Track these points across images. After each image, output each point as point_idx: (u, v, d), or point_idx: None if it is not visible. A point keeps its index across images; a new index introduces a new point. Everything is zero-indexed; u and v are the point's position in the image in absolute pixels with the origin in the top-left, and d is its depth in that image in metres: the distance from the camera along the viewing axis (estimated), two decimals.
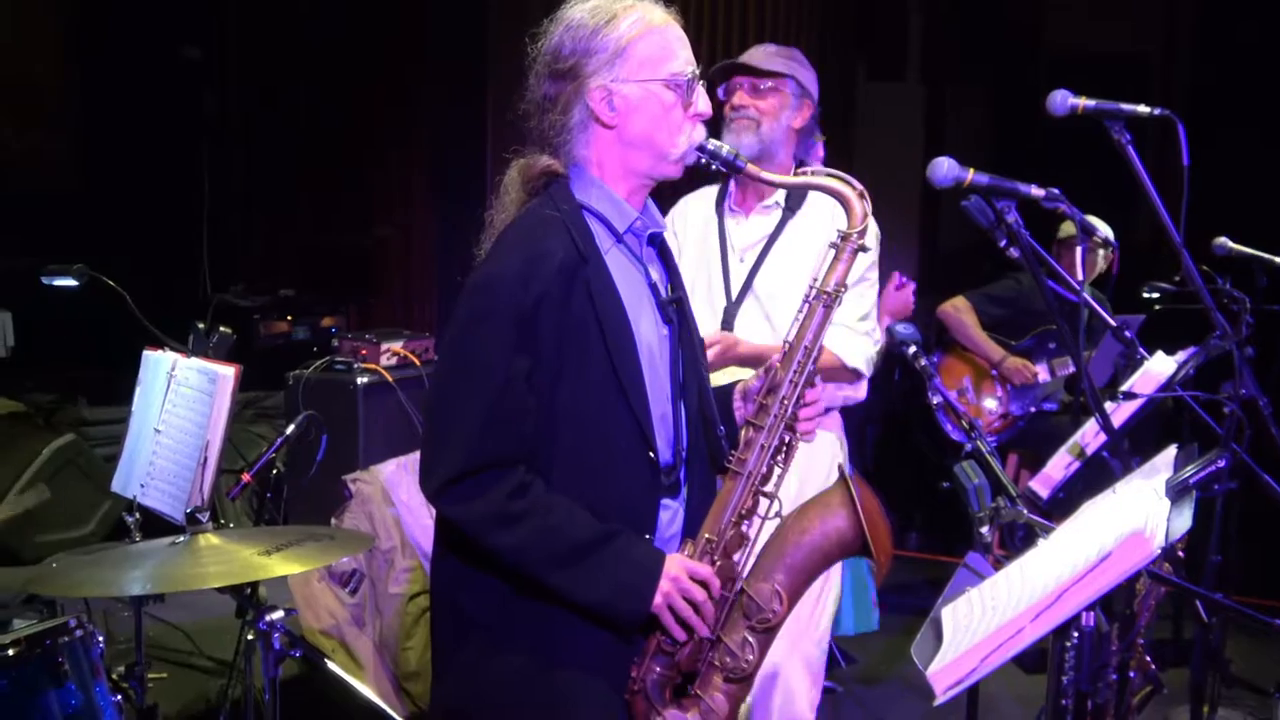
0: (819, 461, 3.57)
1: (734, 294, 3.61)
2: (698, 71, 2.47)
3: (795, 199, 3.61)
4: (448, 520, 2.38)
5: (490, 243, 2.47)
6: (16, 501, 5.68)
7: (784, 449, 2.47)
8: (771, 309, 3.59)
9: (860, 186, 2.50)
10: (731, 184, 3.71)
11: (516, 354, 2.30)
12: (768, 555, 2.44)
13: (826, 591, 3.61)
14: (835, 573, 3.68)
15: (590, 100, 2.40)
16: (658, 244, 2.57)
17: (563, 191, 2.44)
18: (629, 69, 2.39)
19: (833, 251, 2.50)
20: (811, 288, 2.49)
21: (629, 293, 2.43)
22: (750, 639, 2.40)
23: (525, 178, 2.48)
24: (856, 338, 3.58)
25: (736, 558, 2.43)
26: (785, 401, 2.45)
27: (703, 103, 2.47)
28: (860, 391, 3.74)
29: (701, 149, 2.46)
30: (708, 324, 3.57)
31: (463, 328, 2.36)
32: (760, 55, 3.63)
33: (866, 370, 3.63)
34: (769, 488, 2.46)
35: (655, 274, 2.53)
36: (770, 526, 2.49)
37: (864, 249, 2.50)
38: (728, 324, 3.59)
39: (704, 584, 2.38)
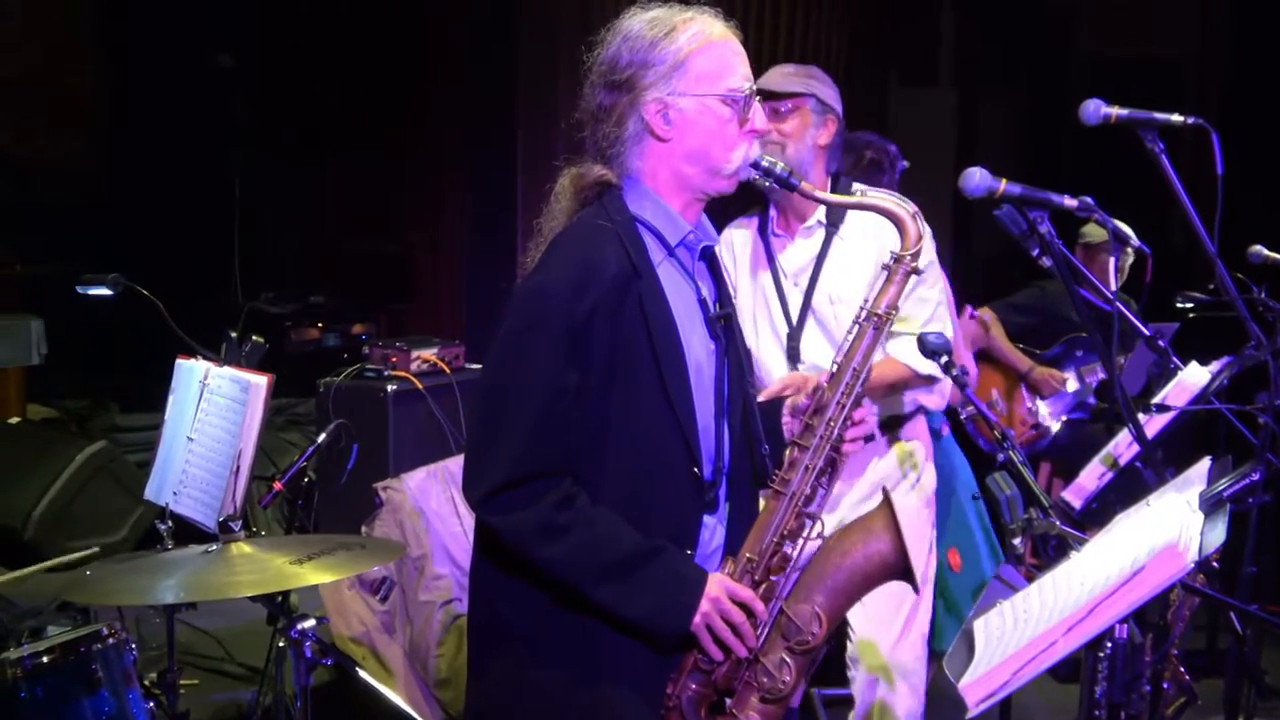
0: (892, 470, 3.62)
1: (794, 319, 3.58)
2: (755, 87, 2.45)
3: (836, 215, 3.56)
4: (490, 529, 2.37)
5: (539, 250, 2.46)
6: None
7: (829, 470, 2.45)
8: (834, 329, 3.54)
9: (914, 207, 2.47)
10: (772, 209, 3.65)
11: (567, 365, 2.29)
12: (809, 576, 2.42)
13: (922, 600, 3.60)
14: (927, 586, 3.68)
15: (645, 113, 2.38)
16: (708, 258, 2.56)
17: (616, 202, 2.42)
18: (686, 83, 2.37)
19: (885, 273, 2.47)
20: (862, 309, 2.47)
21: (679, 307, 2.42)
22: (788, 660, 2.38)
23: (577, 187, 2.46)
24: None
25: (777, 578, 2.41)
26: (832, 423, 2.43)
27: (759, 119, 2.44)
28: (936, 398, 3.67)
29: (756, 165, 2.44)
30: (773, 354, 3.58)
31: (514, 336, 2.35)
32: (777, 78, 3.59)
33: (940, 374, 3.59)
34: (812, 509, 2.44)
35: (705, 289, 2.51)
36: (812, 548, 2.47)
37: (917, 271, 2.47)
38: (793, 350, 3.56)
39: (745, 606, 2.36)
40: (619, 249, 2.36)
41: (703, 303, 2.49)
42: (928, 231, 3.58)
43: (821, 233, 3.59)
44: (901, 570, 2.42)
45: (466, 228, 8.23)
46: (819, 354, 3.54)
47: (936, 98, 8.71)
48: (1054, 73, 8.36)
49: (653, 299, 2.37)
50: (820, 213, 3.58)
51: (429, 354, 6.02)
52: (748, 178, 2.48)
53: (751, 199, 3.65)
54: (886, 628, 3.51)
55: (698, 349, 2.44)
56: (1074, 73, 8.40)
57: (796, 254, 3.62)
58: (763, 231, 3.68)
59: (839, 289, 3.54)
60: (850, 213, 3.55)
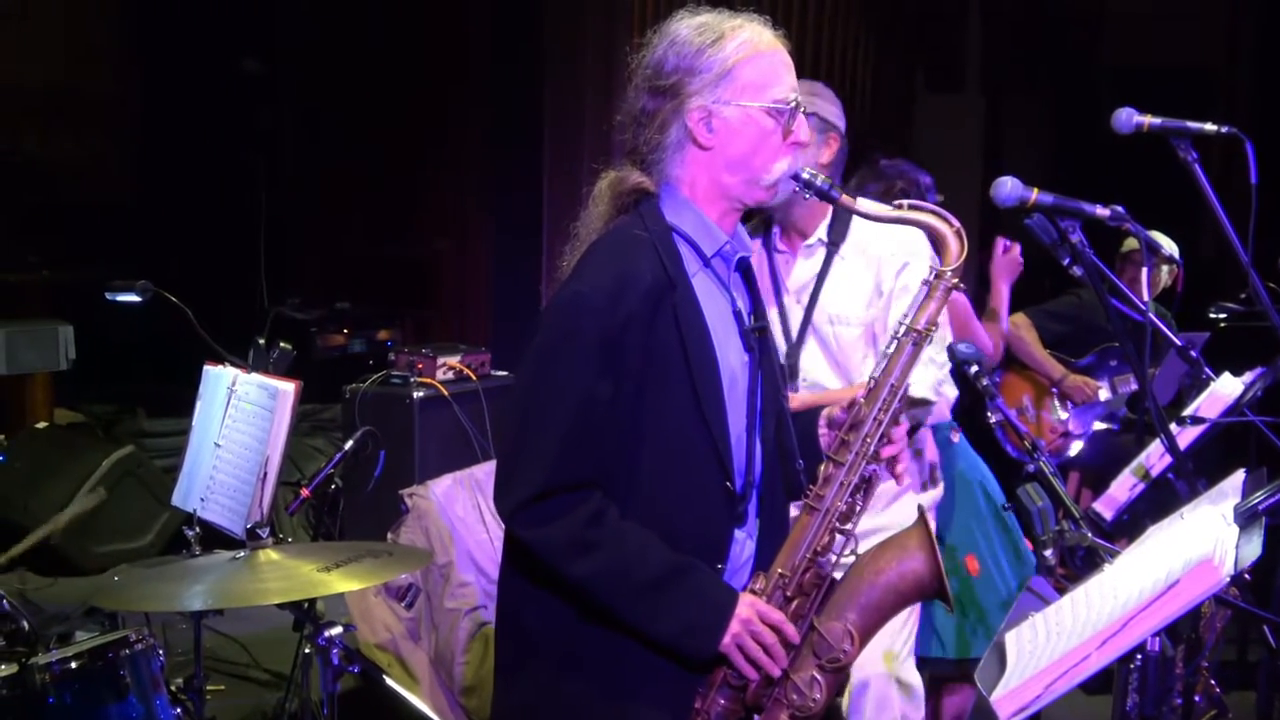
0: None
1: (794, 335, 3.57)
2: (800, 100, 2.42)
3: (837, 234, 3.54)
4: (520, 542, 2.35)
5: (574, 254, 2.44)
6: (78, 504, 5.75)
7: (864, 486, 2.42)
8: (833, 348, 3.55)
9: (957, 224, 2.43)
10: (775, 225, 3.65)
11: (600, 377, 2.27)
12: (841, 593, 2.39)
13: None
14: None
15: (689, 120, 2.36)
16: (743, 269, 2.53)
17: (653, 212, 2.40)
18: (732, 91, 2.35)
19: (925, 289, 2.44)
20: (901, 325, 2.45)
21: (714, 318, 2.39)
22: (819, 678, 2.35)
23: (615, 193, 2.43)
24: (919, 367, 3.51)
25: (809, 594, 2.39)
26: (868, 439, 2.40)
27: (803, 131, 2.42)
28: (943, 410, 3.70)
29: (796, 177, 2.41)
30: None
31: (548, 346, 2.33)
32: None
33: (935, 397, 3.57)
34: (847, 525, 2.41)
35: (740, 300, 2.49)
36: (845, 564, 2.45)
37: (958, 288, 2.45)
38: (791, 366, 3.53)
39: (776, 628, 2.33)
40: (655, 260, 2.34)
41: (738, 314, 2.47)
42: (927, 250, 3.57)
43: (822, 251, 3.56)
44: (936, 589, 2.40)
45: (492, 234, 8.23)
46: (818, 371, 3.56)
47: (963, 104, 8.68)
48: (1080, 79, 8.32)
49: (687, 311, 2.35)
50: (822, 230, 3.55)
51: (455, 360, 6.03)
52: (788, 190, 2.46)
53: (753, 214, 3.64)
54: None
55: (732, 361, 2.42)
56: (1101, 79, 8.36)
57: (799, 271, 3.61)
58: (766, 247, 3.67)
59: (837, 308, 3.53)
60: (851, 232, 3.53)
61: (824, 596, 2.40)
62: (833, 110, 3.56)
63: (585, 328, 2.28)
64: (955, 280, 2.43)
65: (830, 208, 3.52)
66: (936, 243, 2.45)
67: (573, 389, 2.28)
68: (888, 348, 2.45)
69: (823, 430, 2.56)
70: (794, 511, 2.54)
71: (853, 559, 2.44)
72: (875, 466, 2.43)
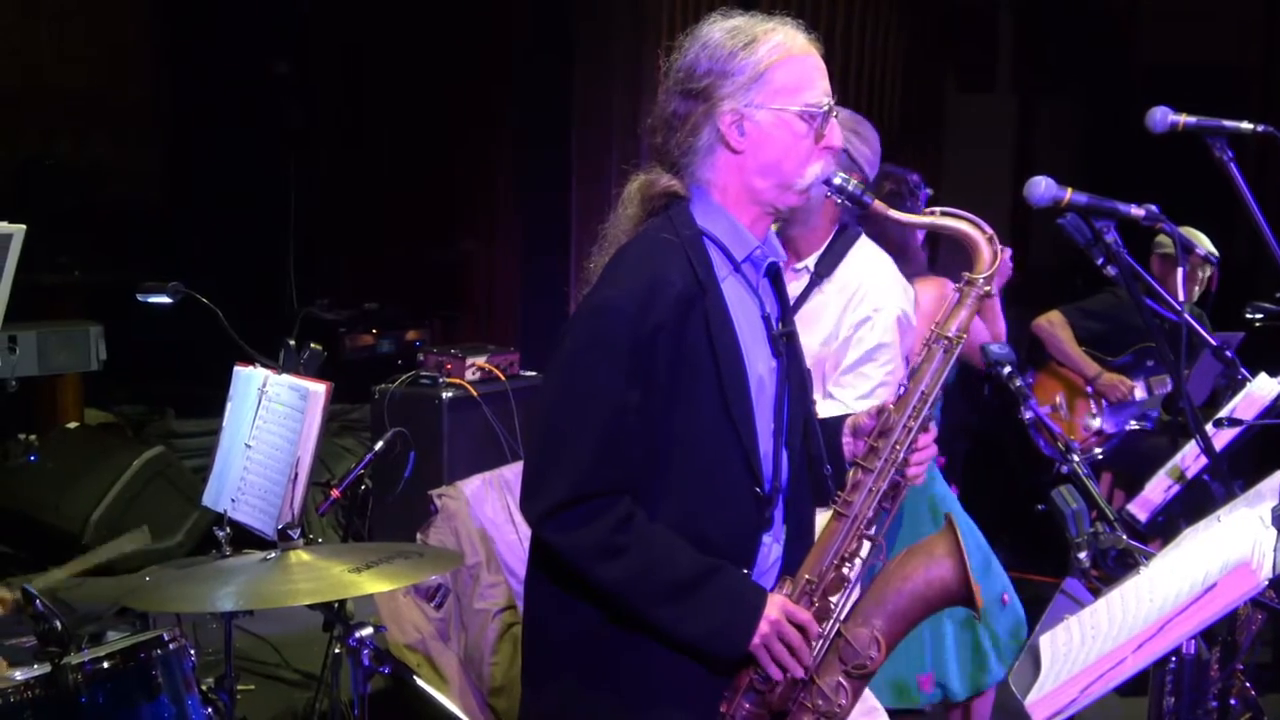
0: None
1: None
2: (834, 104, 2.41)
3: (826, 265, 3.45)
4: (548, 547, 2.35)
5: (603, 256, 2.44)
6: (115, 545, 5.76)
7: (892, 492, 2.41)
8: None
9: (990, 231, 2.43)
10: None
11: (629, 383, 2.26)
12: (868, 600, 2.39)
13: None
14: None
15: (720, 123, 2.34)
16: (772, 274, 2.53)
17: (683, 215, 2.39)
18: (764, 95, 2.33)
19: (956, 296, 2.44)
20: (931, 331, 2.44)
21: (743, 323, 2.39)
22: (844, 683, 2.35)
23: (645, 196, 2.43)
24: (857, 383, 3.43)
25: (835, 600, 2.39)
26: (897, 446, 2.39)
27: (835, 135, 2.41)
28: None
29: (828, 183, 2.40)
30: None
31: (578, 352, 2.32)
32: None
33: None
34: (873, 531, 2.40)
35: (768, 305, 2.48)
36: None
37: (989, 295, 2.43)
38: None
39: (803, 628, 2.33)
40: (685, 265, 2.33)
41: (766, 319, 2.46)
42: (900, 314, 3.41)
43: (806, 279, 3.49)
44: (963, 596, 2.38)
45: (520, 234, 8.25)
46: None
47: (994, 104, 8.64)
48: (1113, 78, 8.27)
49: (717, 317, 2.34)
50: (812, 260, 3.46)
51: (483, 361, 6.04)
52: (819, 195, 2.45)
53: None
54: None
55: (760, 366, 2.41)
56: (1133, 78, 8.31)
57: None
58: None
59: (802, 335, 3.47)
60: (840, 269, 3.44)
61: (850, 602, 2.40)
62: (865, 152, 3.48)
63: (614, 335, 2.27)
64: (987, 288, 2.41)
65: (828, 239, 3.46)
66: (969, 250, 2.43)
67: (602, 395, 2.27)
68: (918, 355, 2.45)
69: (847, 440, 2.55)
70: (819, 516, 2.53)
71: (875, 562, 2.44)
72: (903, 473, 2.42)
